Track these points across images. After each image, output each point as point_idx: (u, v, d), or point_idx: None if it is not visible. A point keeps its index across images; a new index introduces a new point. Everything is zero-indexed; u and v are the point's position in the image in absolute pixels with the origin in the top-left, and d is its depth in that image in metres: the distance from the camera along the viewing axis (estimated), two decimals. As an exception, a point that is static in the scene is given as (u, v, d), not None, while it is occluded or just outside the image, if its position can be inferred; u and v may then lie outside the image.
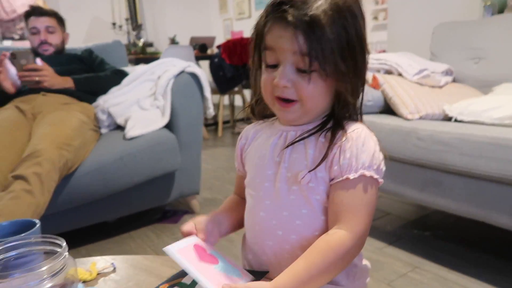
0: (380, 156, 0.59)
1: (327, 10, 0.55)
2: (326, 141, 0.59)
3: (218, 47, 3.95)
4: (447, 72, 1.83)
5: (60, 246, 0.55)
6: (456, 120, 1.47)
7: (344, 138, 0.58)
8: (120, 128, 1.75)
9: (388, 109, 1.62)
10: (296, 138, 0.62)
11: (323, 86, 0.57)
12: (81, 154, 1.47)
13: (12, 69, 1.68)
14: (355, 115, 0.63)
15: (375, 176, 0.57)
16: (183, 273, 0.56)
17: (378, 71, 1.77)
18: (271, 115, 0.69)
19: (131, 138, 1.61)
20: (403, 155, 1.42)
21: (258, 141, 0.69)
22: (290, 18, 0.54)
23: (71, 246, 1.46)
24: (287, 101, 0.59)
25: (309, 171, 0.58)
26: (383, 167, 0.59)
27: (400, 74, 1.68)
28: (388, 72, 1.74)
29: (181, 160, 1.75)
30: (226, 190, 2.27)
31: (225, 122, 4.37)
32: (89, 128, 1.62)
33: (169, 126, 1.75)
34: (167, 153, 1.68)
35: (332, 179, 0.58)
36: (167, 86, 1.80)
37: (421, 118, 1.50)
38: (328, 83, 0.57)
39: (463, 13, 2.83)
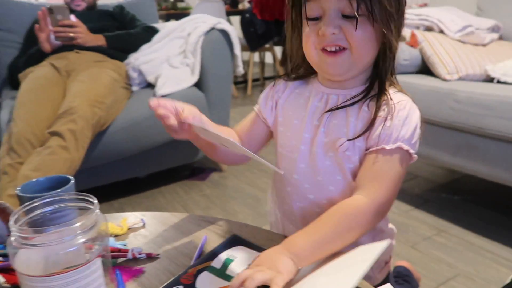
0: (418, 131, 0.58)
1: None
2: (369, 110, 0.58)
3: (250, 1, 3.83)
4: (494, 29, 1.70)
5: (92, 203, 0.58)
6: (499, 82, 1.39)
7: (388, 110, 0.56)
8: (150, 86, 1.77)
9: (425, 68, 1.54)
10: (339, 104, 0.60)
11: (371, 31, 0.55)
12: (113, 112, 1.50)
13: (49, 26, 1.70)
14: (394, 74, 0.61)
15: (411, 151, 0.56)
16: (211, 256, 0.57)
17: (418, 27, 1.67)
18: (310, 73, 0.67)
19: (162, 96, 1.63)
20: (438, 118, 1.37)
21: (296, 99, 0.66)
22: None
23: (105, 199, 1.53)
24: (335, 49, 0.56)
25: (349, 140, 0.57)
26: (418, 142, 0.58)
27: (441, 31, 1.58)
28: (429, 28, 1.64)
29: (210, 118, 1.75)
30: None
31: (254, 80, 4.32)
32: (121, 86, 1.64)
33: (198, 85, 1.75)
34: (196, 111, 1.69)
35: (368, 148, 0.57)
36: (197, 44, 1.78)
37: (460, 78, 1.42)
38: (375, 28, 0.55)
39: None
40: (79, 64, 1.65)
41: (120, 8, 2.06)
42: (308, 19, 0.57)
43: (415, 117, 0.57)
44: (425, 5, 3.57)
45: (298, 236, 0.53)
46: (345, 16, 0.54)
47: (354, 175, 0.59)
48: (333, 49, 0.56)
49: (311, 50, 0.58)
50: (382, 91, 0.58)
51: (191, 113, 0.58)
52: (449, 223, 1.41)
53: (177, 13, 3.84)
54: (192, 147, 1.79)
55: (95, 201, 0.59)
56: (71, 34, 1.70)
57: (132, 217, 0.74)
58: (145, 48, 1.87)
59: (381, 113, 0.56)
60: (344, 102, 0.59)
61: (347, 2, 0.53)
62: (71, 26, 1.70)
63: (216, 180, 1.88)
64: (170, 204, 1.66)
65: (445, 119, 1.35)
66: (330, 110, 0.60)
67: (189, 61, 1.80)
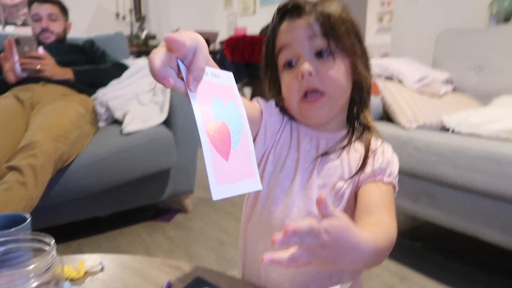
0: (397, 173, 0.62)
1: (337, 8, 0.60)
2: (358, 150, 0.62)
3: (221, 43, 3.94)
4: (448, 81, 1.83)
5: (48, 244, 0.55)
6: (453, 131, 1.47)
7: (377, 148, 0.62)
8: (117, 122, 1.75)
9: (386, 116, 1.62)
10: (330, 149, 0.63)
11: (344, 69, 0.60)
12: (77, 148, 1.46)
13: (15, 57, 1.67)
14: (369, 109, 0.66)
15: (397, 189, 0.61)
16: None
17: (379, 76, 1.77)
18: None
19: (128, 134, 1.61)
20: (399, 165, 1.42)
21: (288, 139, 0.65)
22: (306, 8, 0.59)
23: (62, 240, 1.46)
24: (314, 96, 0.59)
25: (345, 180, 0.60)
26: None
27: (400, 81, 1.68)
28: (389, 78, 1.74)
29: (177, 158, 1.75)
30: (221, 188, 2.26)
31: (224, 119, 4.36)
32: (87, 121, 1.61)
33: (167, 123, 1.75)
34: (163, 150, 1.68)
35: (364, 182, 0.60)
36: (167, 82, 1.79)
37: (418, 127, 1.50)
38: (346, 64, 0.60)
39: (469, 20, 2.82)
40: (45, 97, 1.62)
41: (90, 42, 2.06)
42: (284, 67, 0.61)
43: (396, 159, 0.63)
44: (386, 54, 3.81)
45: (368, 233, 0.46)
46: (319, 56, 0.59)
47: (346, 208, 0.61)
48: (314, 96, 0.59)
49: (291, 100, 0.61)
50: (366, 130, 0.64)
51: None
52: (412, 271, 1.43)
53: (148, 50, 3.88)
54: (157, 187, 1.78)
55: (52, 241, 0.57)
56: (38, 66, 1.67)
57: (90, 260, 0.71)
58: (114, 84, 1.87)
59: (370, 152, 0.61)
60: (336, 145, 0.63)
61: (318, 40, 0.58)
62: (38, 58, 1.68)
63: (181, 222, 1.84)
64: (132, 246, 1.59)
65: (405, 166, 1.41)
66: (324, 154, 0.62)
67: (159, 99, 1.81)
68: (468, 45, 1.97)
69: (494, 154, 1.18)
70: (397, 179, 0.61)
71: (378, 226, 0.51)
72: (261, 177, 0.64)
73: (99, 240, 1.64)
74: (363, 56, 0.63)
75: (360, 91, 0.63)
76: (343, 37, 0.59)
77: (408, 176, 1.42)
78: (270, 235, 0.60)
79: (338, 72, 0.59)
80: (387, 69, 1.74)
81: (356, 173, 0.60)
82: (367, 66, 0.63)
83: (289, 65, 0.61)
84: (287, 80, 0.61)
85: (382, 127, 1.53)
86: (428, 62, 2.09)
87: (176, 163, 1.75)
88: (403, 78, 1.69)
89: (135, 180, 1.61)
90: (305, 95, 0.59)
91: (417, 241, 1.66)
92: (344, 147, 0.62)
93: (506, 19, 2.60)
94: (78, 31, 2.59)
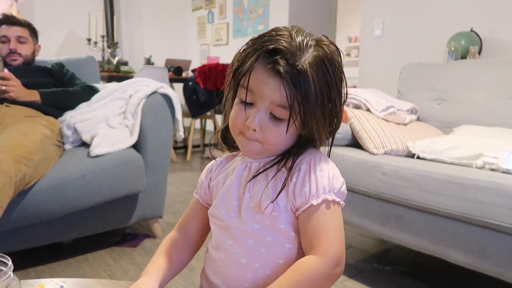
0: (339, 179, 0.61)
1: (313, 65, 0.56)
2: (285, 170, 0.61)
3: (193, 70, 3.97)
4: (412, 111, 1.91)
5: (5, 264, 0.52)
6: (418, 157, 1.53)
7: (302, 166, 0.60)
8: (85, 145, 1.71)
9: (355, 142, 1.66)
10: (259, 170, 0.63)
11: (291, 133, 0.60)
12: (40, 170, 1.41)
13: None
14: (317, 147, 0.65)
15: (337, 199, 0.59)
16: None
17: (348, 105, 1.82)
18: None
19: (96, 156, 1.57)
20: (367, 189, 1.45)
21: (226, 172, 0.70)
22: (281, 69, 0.55)
23: (20, 266, 1.38)
24: (251, 139, 0.60)
25: (271, 202, 0.59)
26: (344, 190, 0.61)
27: (368, 110, 1.74)
28: (357, 106, 1.80)
29: (146, 181, 1.71)
30: (191, 214, 2.22)
31: (194, 146, 4.34)
32: (52, 143, 1.56)
33: (136, 147, 1.72)
34: (132, 173, 1.64)
35: (297, 209, 0.59)
36: (138, 106, 1.78)
37: (385, 153, 1.55)
38: (297, 131, 0.60)
39: (429, 56, 2.99)
40: (9, 118, 1.57)
41: (59, 65, 2.03)
42: (241, 101, 0.60)
43: (329, 166, 0.61)
44: (354, 86, 3.95)
45: None
46: (273, 116, 0.58)
47: (287, 236, 0.60)
48: (249, 139, 0.60)
49: (235, 128, 0.62)
50: (295, 150, 0.62)
51: None
52: (381, 294, 1.44)
53: (119, 76, 3.85)
54: (125, 211, 1.72)
55: (9, 262, 0.54)
56: (3, 88, 1.63)
57: (50, 284, 0.67)
58: (83, 107, 1.83)
59: (295, 171, 0.60)
60: (264, 165, 0.63)
61: (279, 108, 0.57)
62: (3, 78, 1.64)
63: (149, 248, 1.78)
64: (96, 273, 1.52)
65: (373, 190, 1.44)
66: (251, 178, 0.63)
67: (129, 122, 1.78)
68: (430, 78, 2.08)
69: (457, 179, 1.22)
70: (335, 190, 0.59)
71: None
72: (212, 212, 0.68)
73: (60, 266, 1.56)
74: (330, 122, 0.61)
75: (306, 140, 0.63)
76: (309, 113, 0.57)
77: (377, 200, 1.45)
78: (220, 256, 0.64)
79: (281, 136, 0.59)
80: (355, 98, 1.80)
81: (278, 194, 0.59)
82: (330, 127, 0.61)
83: (244, 102, 0.60)
84: (236, 113, 0.61)
85: (350, 152, 1.57)
86: (393, 93, 2.19)
87: (145, 187, 1.71)
88: (370, 107, 1.75)
89: (102, 204, 1.56)
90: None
91: (386, 265, 1.68)
92: (271, 167, 0.62)
93: (463, 56, 2.78)
94: (49, 55, 2.55)
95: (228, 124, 0.68)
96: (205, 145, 4.51)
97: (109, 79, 3.75)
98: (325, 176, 0.59)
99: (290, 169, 0.60)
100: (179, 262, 0.70)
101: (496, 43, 2.82)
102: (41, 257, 1.60)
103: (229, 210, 0.64)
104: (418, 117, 1.95)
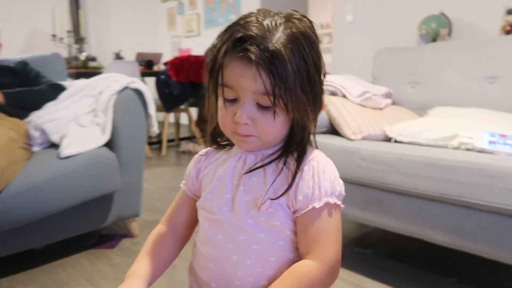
0: (340, 181, 0.60)
1: (286, 43, 0.53)
2: (287, 168, 0.59)
3: (165, 64, 3.89)
4: (387, 95, 1.92)
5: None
6: (395, 141, 1.53)
7: (305, 167, 0.58)
8: (54, 146, 1.63)
9: (332, 129, 1.66)
10: (257, 164, 0.61)
11: (283, 119, 0.57)
12: (7, 175, 1.33)
13: None
14: (309, 138, 0.63)
15: (338, 203, 0.58)
16: None
17: (324, 92, 1.81)
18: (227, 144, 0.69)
19: (67, 157, 1.50)
20: (346, 175, 1.45)
21: (216, 162, 0.67)
22: (252, 57, 0.52)
23: (-10, 278, 1.26)
24: (246, 136, 0.58)
25: (272, 199, 0.57)
26: (343, 192, 0.60)
27: (344, 96, 1.73)
28: (333, 93, 1.79)
29: (121, 180, 1.66)
30: (170, 211, 2.18)
31: (169, 141, 4.27)
32: (19, 146, 1.49)
33: (109, 145, 1.66)
34: (106, 173, 1.58)
35: (296, 210, 0.58)
36: (109, 102, 1.71)
37: (363, 138, 1.55)
38: (288, 116, 0.57)
39: (402, 40, 3.02)
40: (-31, 122, 1.48)
41: (23, 64, 1.93)
42: (224, 100, 0.57)
43: (332, 168, 0.59)
44: (328, 73, 3.96)
45: None
46: (260, 106, 0.56)
47: (281, 234, 0.58)
48: (242, 135, 0.58)
49: (226, 130, 0.60)
50: (297, 148, 0.60)
51: None
52: (364, 277, 1.45)
53: (88, 72, 3.72)
54: (100, 212, 1.67)
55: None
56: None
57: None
58: (50, 106, 1.75)
59: (298, 171, 0.58)
60: (262, 160, 0.60)
61: (263, 95, 0.54)
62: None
63: (127, 248, 1.73)
64: (73, 278, 1.47)
65: (353, 176, 1.44)
66: (249, 171, 0.60)
67: (100, 120, 1.72)
68: (403, 62, 2.09)
69: (435, 160, 1.23)
70: (336, 193, 0.58)
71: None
72: (198, 204, 0.66)
73: (34, 274, 1.49)
74: (313, 102, 0.58)
75: (299, 128, 0.60)
76: (291, 94, 0.54)
77: (356, 185, 1.45)
78: (209, 252, 0.62)
79: (275, 124, 0.56)
80: (331, 85, 1.79)
81: (283, 193, 0.57)
82: (315, 111, 0.60)
83: (229, 100, 0.57)
84: (223, 112, 0.58)
85: (328, 139, 1.56)
86: (368, 78, 2.19)
87: (120, 186, 1.66)
88: (346, 93, 1.74)
89: (75, 206, 1.50)
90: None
91: (367, 248, 1.69)
92: (270, 162, 0.60)
93: (434, 39, 2.81)
94: (12, 53, 2.43)
95: (216, 125, 0.66)
96: (180, 139, 4.44)
97: (77, 76, 3.62)
98: (327, 178, 0.57)
99: (298, 167, 0.58)
100: (167, 259, 0.67)
101: (465, 25, 2.87)
102: (13, 265, 1.53)
103: (222, 203, 0.61)
104: (393, 101, 1.96)
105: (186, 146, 3.95)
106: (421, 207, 1.29)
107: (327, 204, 0.56)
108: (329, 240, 0.56)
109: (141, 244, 1.76)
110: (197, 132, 4.00)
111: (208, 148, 0.71)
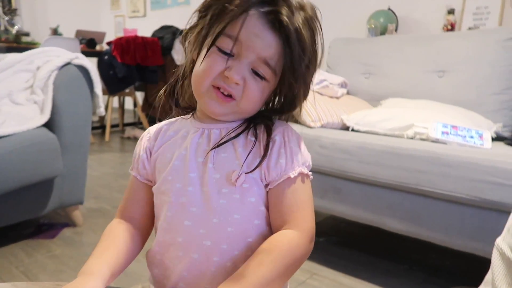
0: (307, 152, 0.59)
1: (305, 26, 0.52)
2: (256, 138, 0.56)
3: (109, 43, 3.65)
4: (343, 85, 1.93)
5: None
6: (353, 130, 1.54)
7: (276, 137, 0.56)
8: (-17, 124, 1.44)
9: (292, 116, 1.63)
10: (223, 138, 0.56)
11: (267, 93, 0.56)
12: None
13: None
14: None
15: (309, 173, 0.57)
16: None
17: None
18: (186, 108, 0.63)
19: (0, 137, 1.33)
20: (306, 162, 1.43)
21: (173, 140, 0.60)
22: (284, 22, 0.50)
23: None
24: (224, 95, 0.53)
25: (247, 173, 0.53)
26: (311, 163, 0.59)
27: (302, 83, 1.71)
28: (291, 80, 1.76)
29: (63, 164, 1.51)
30: (114, 199, 2.05)
31: (113, 126, 4.04)
32: None
33: (50, 126, 1.50)
34: (45, 156, 1.43)
35: (269, 183, 0.55)
36: (49, 79, 1.55)
37: (322, 126, 1.54)
38: (270, 89, 0.56)
39: (352, 33, 3.09)
40: None
41: None
42: (218, 47, 0.52)
43: (300, 139, 0.58)
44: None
45: (229, 283, 0.47)
46: (255, 72, 0.53)
47: (256, 211, 0.55)
48: (225, 93, 0.53)
49: (203, 81, 0.54)
50: (264, 119, 0.57)
51: None
52: (320, 266, 1.45)
53: (20, 47, 3.39)
54: (39, 199, 1.51)
55: None
56: None
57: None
58: (-22, 80, 1.55)
59: (270, 142, 0.55)
60: (228, 134, 0.56)
61: (265, 64, 0.52)
62: None
63: (69, 237, 1.59)
64: (6, 271, 1.31)
65: (312, 164, 1.42)
66: (216, 146, 0.55)
67: (38, 98, 1.55)
68: (357, 53, 2.12)
69: (394, 149, 1.25)
70: (306, 164, 0.56)
71: (262, 263, 0.49)
72: (154, 188, 0.60)
73: (-41, 269, 1.32)
74: (306, 79, 0.56)
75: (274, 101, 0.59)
76: (291, 76, 0.53)
77: (316, 173, 1.44)
78: (176, 240, 0.55)
79: (261, 95, 0.54)
80: (288, 71, 1.76)
81: (259, 165, 0.54)
82: (305, 89, 0.58)
83: (225, 52, 0.52)
84: (212, 61, 0.53)
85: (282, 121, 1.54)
86: (323, 67, 2.20)
87: (61, 171, 1.51)
88: (303, 79, 1.72)
89: (10, 192, 1.33)
90: (219, 88, 0.53)
91: (320, 237, 1.70)
92: (238, 135, 0.56)
93: (382, 33, 2.90)
94: None
95: (180, 81, 0.60)
96: (124, 125, 4.22)
97: (8, 51, 3.28)
98: (297, 148, 0.56)
99: (268, 140, 0.55)
100: (126, 254, 0.58)
101: (410, 21, 2.99)
102: None
103: (187, 184, 0.55)
104: (348, 91, 1.98)
105: (131, 132, 3.75)
106: (379, 196, 1.31)
107: (301, 174, 0.55)
108: (305, 208, 0.55)
109: (84, 234, 1.65)
110: (143, 118, 3.81)
111: (157, 125, 0.64)
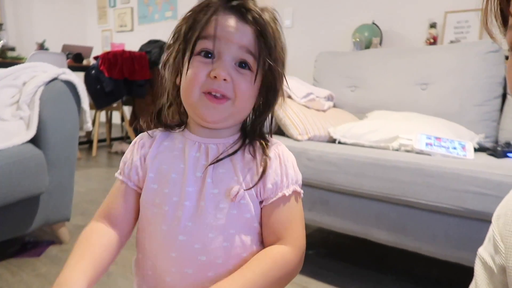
0: (298, 169, 0.61)
1: (271, 20, 0.57)
2: (252, 155, 0.58)
3: (96, 58, 3.64)
4: (329, 98, 1.96)
5: None
6: (339, 142, 1.56)
7: (271, 155, 0.57)
8: (-33, 141, 1.42)
9: (278, 129, 1.65)
10: (222, 154, 0.57)
11: (256, 87, 0.57)
12: None
13: None
14: (263, 124, 0.63)
15: (301, 191, 0.60)
16: None
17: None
18: (176, 125, 0.63)
19: (-17, 154, 1.32)
20: (293, 175, 1.44)
21: (170, 152, 0.60)
22: (249, 16, 0.54)
23: None
24: (219, 97, 0.54)
25: (246, 190, 0.55)
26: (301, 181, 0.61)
27: (289, 96, 1.73)
28: (277, 94, 1.78)
29: (49, 181, 1.49)
30: (102, 214, 2.02)
31: (100, 141, 4.00)
32: None
33: (36, 141, 1.49)
34: (31, 172, 1.41)
35: (264, 199, 0.57)
36: (35, 94, 1.54)
37: (309, 139, 1.56)
38: (258, 83, 0.57)
39: (337, 47, 3.14)
40: None
41: None
42: (200, 53, 0.54)
43: (292, 156, 0.60)
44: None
45: (223, 283, 0.49)
46: (239, 65, 0.55)
47: (250, 226, 0.56)
48: (218, 95, 0.54)
49: (193, 90, 0.54)
50: (259, 137, 0.60)
51: None
52: (309, 278, 1.45)
53: (5, 62, 3.36)
54: (24, 216, 1.49)
55: None
56: None
57: None
58: (-38, 96, 1.53)
59: (266, 159, 0.57)
60: (226, 150, 0.58)
61: (247, 55, 0.54)
62: None
63: (55, 255, 1.56)
64: (-11, 292, 1.29)
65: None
66: (215, 162, 0.56)
67: (24, 113, 1.54)
68: (343, 66, 2.16)
69: (379, 161, 1.27)
70: (298, 182, 0.59)
71: (254, 272, 0.52)
72: (144, 198, 0.59)
73: None
74: (281, 77, 0.60)
75: (263, 109, 0.61)
76: (273, 64, 0.56)
77: (303, 186, 1.43)
78: (169, 255, 0.55)
79: (250, 88, 0.56)
80: (275, 85, 1.78)
81: (258, 181, 0.56)
82: (281, 85, 0.61)
83: (206, 54, 0.54)
84: (196, 68, 0.54)
85: (277, 140, 1.55)
86: (310, 81, 2.23)
87: (48, 187, 1.49)
88: (291, 93, 1.75)
89: (-6, 210, 1.32)
90: (209, 92, 0.54)
91: (309, 249, 1.70)
92: (236, 151, 0.58)
93: (367, 47, 2.96)
94: None
95: (161, 105, 0.62)
96: (112, 139, 4.19)
97: (-7, 66, 3.25)
98: (291, 166, 0.58)
99: (265, 159, 0.57)
100: (104, 262, 0.56)
101: (394, 35, 3.06)
102: None
103: (183, 198, 0.55)
104: (334, 104, 2.01)
105: (118, 146, 3.73)
106: (365, 207, 1.33)
107: (294, 192, 0.58)
108: (298, 226, 0.57)
109: (70, 251, 1.61)
110: (130, 132, 3.79)
111: (151, 131, 0.63)
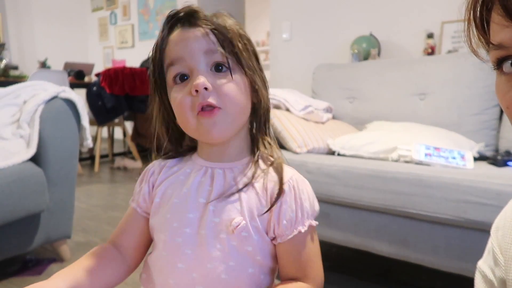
0: (316, 200, 0.58)
1: (222, 14, 0.56)
2: (262, 187, 0.54)
3: (97, 75, 3.68)
4: (328, 109, 1.96)
5: None
6: (338, 154, 1.56)
7: (285, 188, 0.54)
8: (-32, 161, 1.43)
9: (277, 142, 1.65)
10: (232, 189, 0.55)
11: (242, 84, 0.55)
12: None
13: None
14: (269, 133, 0.62)
15: (316, 223, 0.57)
16: None
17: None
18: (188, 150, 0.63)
19: (-16, 173, 1.32)
20: (293, 188, 1.44)
21: (175, 177, 0.59)
22: (201, 16, 0.54)
23: None
24: (210, 109, 0.52)
25: (249, 221, 0.53)
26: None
27: (287, 109, 1.74)
28: (276, 106, 1.79)
29: (49, 198, 1.50)
30: (102, 231, 2.02)
31: (102, 156, 4.02)
32: None
33: (36, 160, 1.50)
34: (31, 190, 1.42)
35: (278, 236, 0.54)
36: (35, 113, 1.55)
37: (308, 151, 1.56)
38: (245, 81, 0.55)
39: (335, 59, 3.16)
40: None
41: None
42: (175, 82, 0.54)
43: (309, 188, 0.57)
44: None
45: None
46: (216, 70, 0.53)
47: (252, 260, 0.54)
48: (208, 108, 0.52)
49: (186, 116, 0.53)
50: (269, 164, 0.57)
51: None
52: (311, 291, 1.43)
53: (9, 81, 3.39)
54: (24, 234, 1.49)
55: None
56: None
57: None
58: (-37, 116, 1.55)
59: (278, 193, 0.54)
60: (235, 179, 0.56)
61: (215, 55, 0.53)
62: None
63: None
64: (-11, 312, 1.28)
65: (299, 189, 1.43)
66: (224, 196, 0.54)
67: (24, 132, 1.55)
68: (341, 78, 2.17)
69: (378, 172, 1.27)
70: (314, 215, 0.57)
71: None
72: (151, 225, 0.59)
73: None
74: (261, 73, 0.59)
75: (258, 112, 0.59)
76: (241, 53, 0.54)
77: (303, 200, 1.45)
78: (167, 282, 0.54)
79: (236, 88, 0.54)
80: (274, 98, 1.79)
81: (265, 213, 0.54)
82: (264, 84, 0.60)
83: (181, 78, 0.54)
84: (178, 97, 0.53)
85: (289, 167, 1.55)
86: (307, 94, 2.24)
87: (48, 205, 1.50)
88: (289, 106, 1.76)
89: (-6, 229, 1.32)
90: (202, 109, 0.53)
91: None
92: (247, 185, 0.55)
93: (365, 58, 2.98)
94: None
95: (157, 133, 0.62)
96: (114, 155, 4.20)
97: (-4, 85, 3.29)
98: (307, 199, 0.55)
99: (279, 193, 0.53)
100: (104, 277, 0.56)
101: (392, 46, 3.07)
102: None
103: (184, 224, 0.54)
104: (333, 116, 2.01)
105: (120, 162, 3.74)
106: (366, 219, 1.32)
107: (310, 227, 0.55)
108: (317, 262, 0.56)
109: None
110: (132, 147, 3.81)
111: (165, 158, 0.63)
